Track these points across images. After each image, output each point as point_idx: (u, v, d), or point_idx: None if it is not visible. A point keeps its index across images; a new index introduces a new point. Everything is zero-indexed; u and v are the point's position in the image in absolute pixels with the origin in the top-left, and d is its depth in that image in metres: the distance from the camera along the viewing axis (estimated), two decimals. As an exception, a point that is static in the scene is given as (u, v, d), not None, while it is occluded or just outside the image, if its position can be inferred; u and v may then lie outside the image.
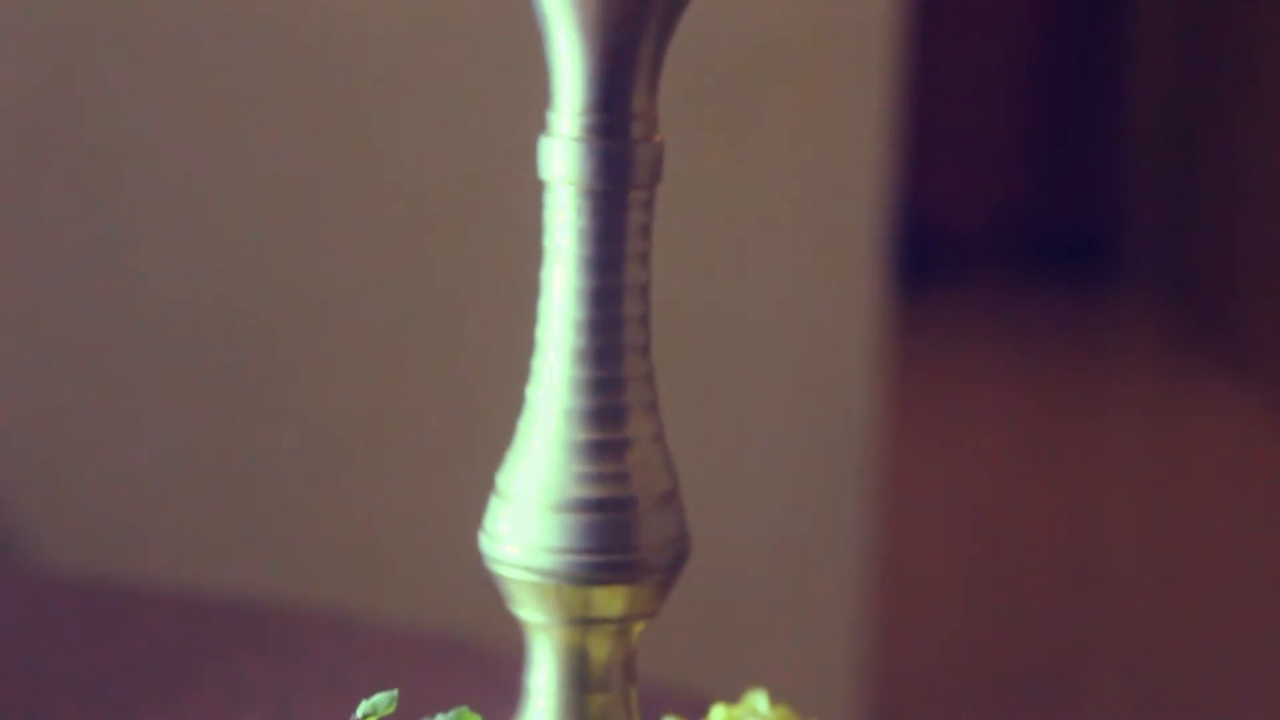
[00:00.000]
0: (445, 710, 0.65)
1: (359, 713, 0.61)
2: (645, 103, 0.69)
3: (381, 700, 0.62)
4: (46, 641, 0.92)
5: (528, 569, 0.70)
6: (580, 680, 0.70)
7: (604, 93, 0.69)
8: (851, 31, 1.41)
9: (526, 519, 0.71)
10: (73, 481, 1.32)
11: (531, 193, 0.74)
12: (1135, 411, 2.60)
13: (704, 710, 0.76)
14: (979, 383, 2.72)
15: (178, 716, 0.85)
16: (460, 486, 0.97)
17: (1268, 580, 2.13)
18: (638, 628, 0.71)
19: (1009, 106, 3.30)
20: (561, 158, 0.69)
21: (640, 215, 0.70)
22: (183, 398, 1.35)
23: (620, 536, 0.71)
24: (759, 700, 0.74)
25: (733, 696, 0.76)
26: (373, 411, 1.36)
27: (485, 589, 0.72)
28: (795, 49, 1.39)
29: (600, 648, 0.70)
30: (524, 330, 0.75)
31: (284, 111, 1.31)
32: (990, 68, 3.25)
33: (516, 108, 1.04)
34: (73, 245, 1.31)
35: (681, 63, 0.74)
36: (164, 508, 1.35)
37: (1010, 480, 2.38)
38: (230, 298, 1.33)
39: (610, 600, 0.70)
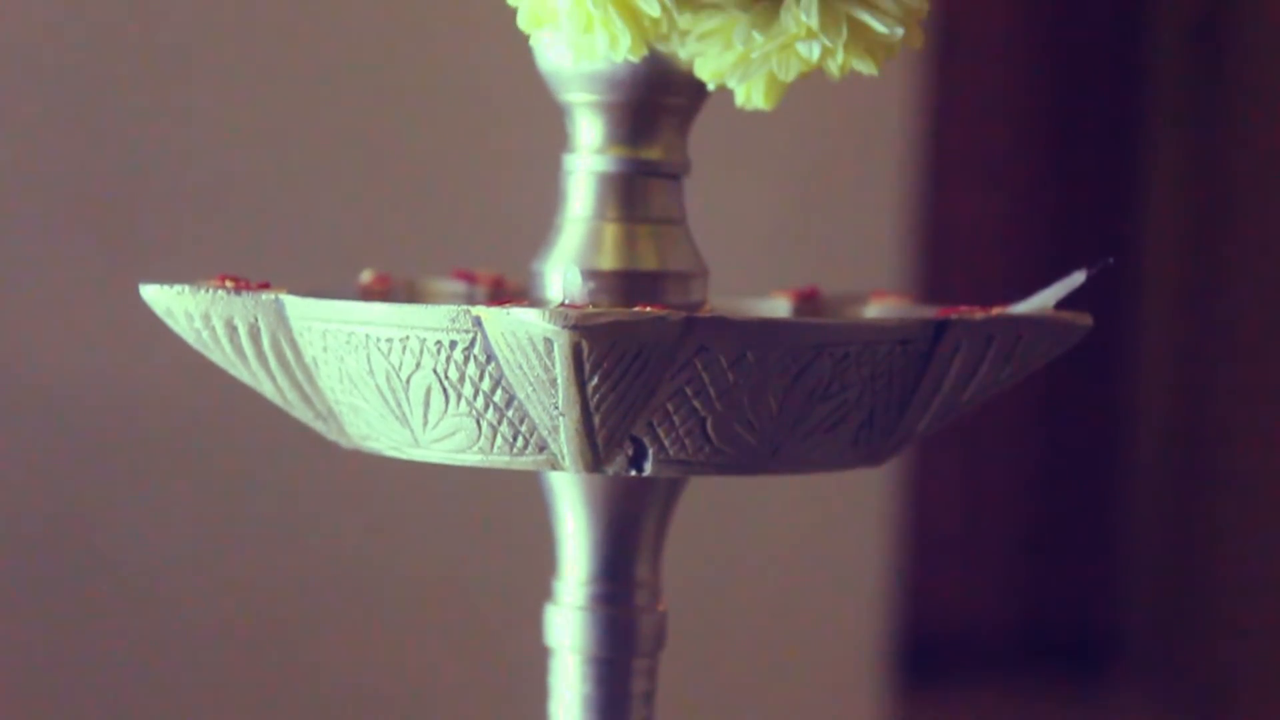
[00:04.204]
0: None
1: None
2: (649, 572, 0.71)
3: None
4: None
5: None
6: None
7: (608, 562, 0.70)
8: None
9: None
10: None
11: (537, 656, 0.75)
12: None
13: None
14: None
15: None
16: None
17: None
18: None
19: (1006, 511, 3.33)
20: (566, 626, 0.70)
21: (643, 682, 0.71)
22: None
23: None
24: None
25: None
26: None
27: None
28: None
29: None
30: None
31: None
32: (986, 469, 3.29)
33: (521, 571, 1.07)
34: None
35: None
36: None
37: None
38: None
39: None
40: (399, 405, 0.63)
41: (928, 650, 3.07)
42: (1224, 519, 2.86)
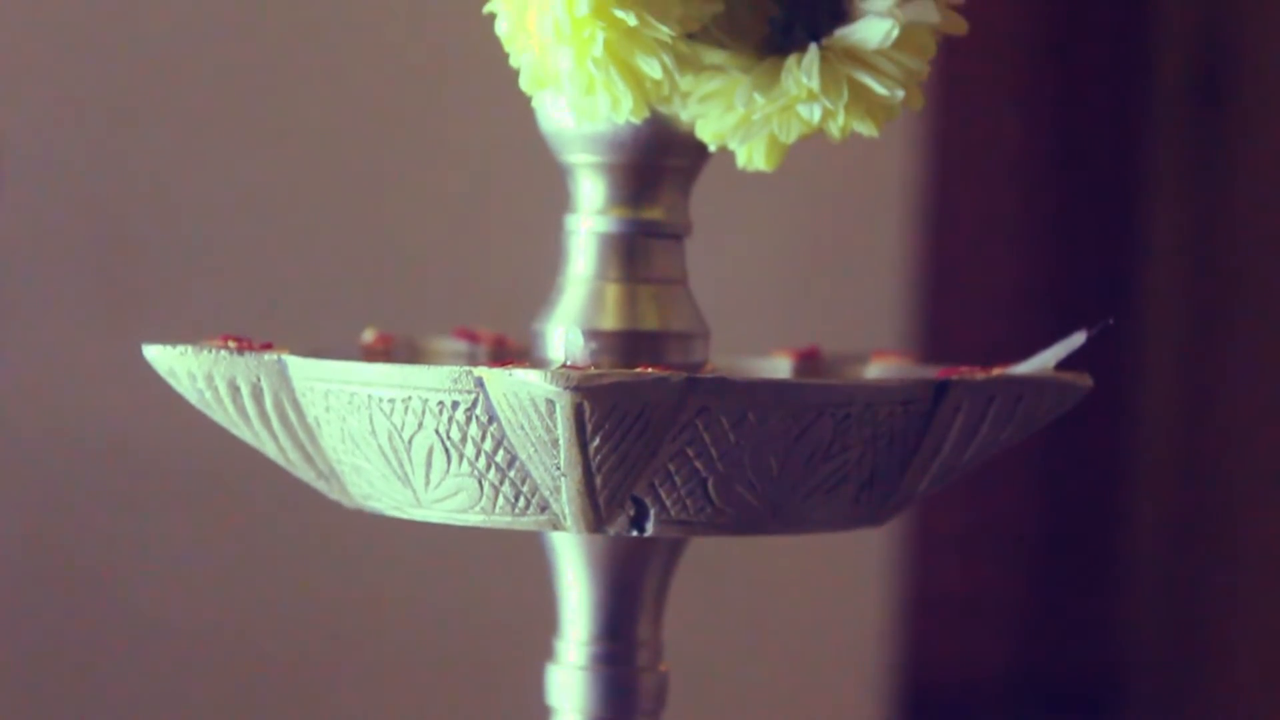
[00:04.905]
0: None
1: None
2: (650, 632, 0.71)
3: None
4: None
5: None
6: None
7: (610, 622, 0.70)
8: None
9: None
10: None
11: (538, 716, 0.74)
12: None
13: None
14: None
15: None
16: None
17: None
18: None
19: (1005, 569, 3.31)
20: (568, 685, 0.70)
21: (645, 742, 0.70)
22: None
23: None
24: None
25: None
26: None
27: None
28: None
29: None
30: None
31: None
32: (985, 532, 3.28)
33: (522, 630, 1.07)
34: None
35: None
36: None
37: None
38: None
39: None
40: (401, 465, 0.63)
41: (930, 701, 3.07)
42: (1232, 567, 2.85)
